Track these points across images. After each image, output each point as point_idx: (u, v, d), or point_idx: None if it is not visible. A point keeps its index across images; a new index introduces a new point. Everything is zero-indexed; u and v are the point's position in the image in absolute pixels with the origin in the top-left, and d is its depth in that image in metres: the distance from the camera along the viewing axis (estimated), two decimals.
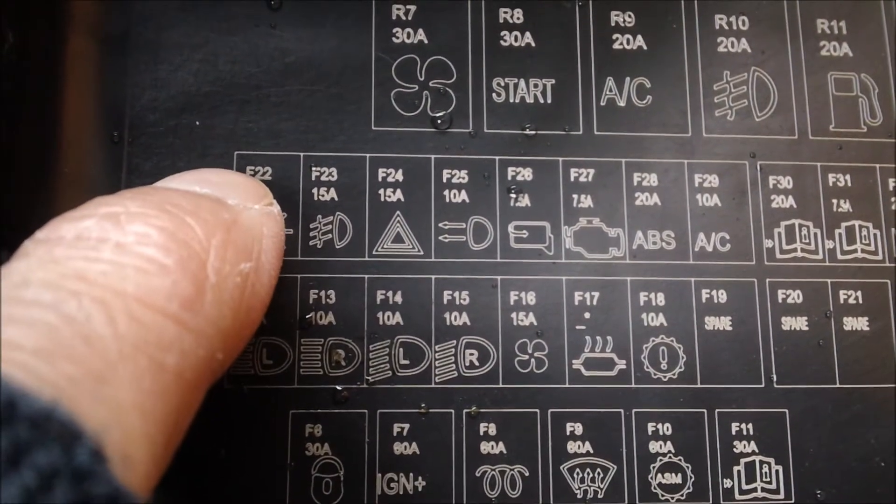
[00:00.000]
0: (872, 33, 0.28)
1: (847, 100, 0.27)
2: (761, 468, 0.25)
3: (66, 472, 0.12)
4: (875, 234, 0.26)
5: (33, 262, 0.16)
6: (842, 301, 0.26)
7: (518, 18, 0.27)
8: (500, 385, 0.25)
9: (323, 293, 0.25)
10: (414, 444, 0.24)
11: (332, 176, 0.25)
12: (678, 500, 0.24)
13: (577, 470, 0.24)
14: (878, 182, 0.27)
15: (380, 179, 0.26)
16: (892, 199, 0.27)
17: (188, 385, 0.17)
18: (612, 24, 0.27)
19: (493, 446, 0.24)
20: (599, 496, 0.24)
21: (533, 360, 0.25)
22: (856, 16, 0.28)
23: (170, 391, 0.16)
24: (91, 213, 0.18)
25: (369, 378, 0.24)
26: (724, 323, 0.26)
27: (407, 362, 0.25)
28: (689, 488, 0.25)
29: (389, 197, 0.25)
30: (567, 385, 0.25)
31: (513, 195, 0.26)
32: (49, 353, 0.14)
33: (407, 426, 0.24)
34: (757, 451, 0.25)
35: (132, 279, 0.16)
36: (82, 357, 0.15)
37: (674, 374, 0.25)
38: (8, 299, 0.15)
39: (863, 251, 0.26)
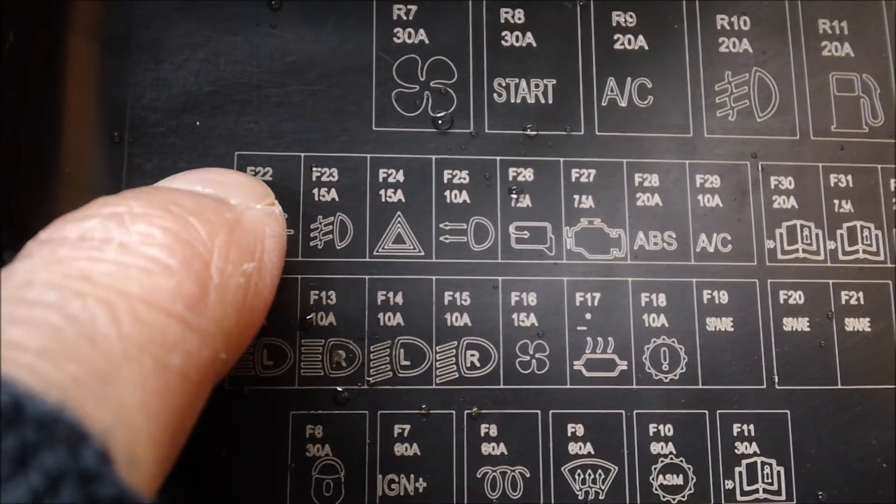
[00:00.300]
0: (874, 34, 0.28)
1: (849, 100, 0.27)
2: (763, 469, 0.25)
3: (72, 473, 0.12)
4: (877, 235, 0.26)
5: (37, 262, 0.16)
6: (843, 302, 0.26)
7: (519, 18, 0.27)
8: (501, 386, 0.25)
9: (323, 294, 0.25)
10: (415, 445, 0.24)
11: (333, 176, 0.25)
12: (679, 502, 0.24)
13: (579, 471, 0.24)
14: (879, 183, 0.27)
15: (381, 180, 0.25)
16: (894, 200, 0.27)
17: (193, 385, 0.17)
18: (614, 24, 0.27)
19: (494, 447, 0.24)
20: (601, 497, 0.24)
21: (534, 361, 0.25)
22: (857, 16, 0.28)
23: (174, 392, 0.16)
24: (94, 213, 0.18)
25: (370, 379, 0.24)
26: (725, 324, 0.26)
27: (408, 363, 0.25)
28: (690, 489, 0.25)
29: (390, 197, 0.25)
30: (568, 386, 0.25)
31: (514, 196, 0.26)
32: (54, 353, 0.14)
33: (408, 427, 0.24)
34: (758, 452, 0.25)
35: (136, 279, 0.16)
36: (87, 358, 0.15)
37: (675, 375, 0.25)
38: (11, 300, 0.15)
39: (864, 252, 0.26)
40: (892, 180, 0.27)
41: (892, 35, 0.28)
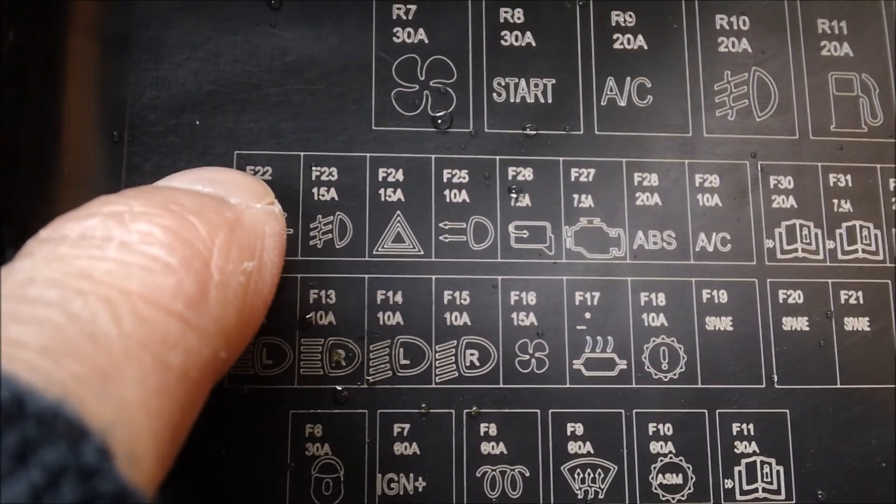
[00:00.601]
0: (873, 33, 0.28)
1: (848, 100, 0.27)
2: (762, 469, 0.25)
3: (72, 470, 0.12)
4: (876, 235, 0.26)
5: (38, 260, 0.16)
6: (842, 301, 0.26)
7: (519, 18, 0.27)
8: (501, 385, 0.25)
9: (323, 293, 0.25)
10: (414, 445, 0.24)
11: (333, 175, 0.25)
12: (679, 501, 0.24)
13: (578, 470, 0.24)
14: (878, 182, 0.27)
15: (380, 179, 0.25)
16: (893, 200, 0.27)
17: (193, 383, 0.17)
18: (613, 23, 0.27)
19: (493, 447, 0.24)
20: (600, 497, 0.24)
21: (533, 360, 0.25)
22: (856, 16, 0.28)
23: (175, 389, 0.16)
24: (95, 211, 0.18)
25: (369, 378, 0.24)
26: (724, 323, 0.26)
27: (407, 362, 0.25)
28: (689, 489, 0.25)
29: (390, 197, 0.25)
30: (568, 385, 0.25)
31: (513, 195, 0.26)
32: (55, 351, 0.14)
33: (407, 426, 0.24)
34: (758, 451, 0.25)
35: (137, 278, 0.16)
36: (88, 355, 0.15)
37: (674, 375, 0.25)
38: (12, 297, 0.15)
39: (863, 251, 0.26)
40: (892, 180, 0.27)
41: (891, 35, 0.28)
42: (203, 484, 0.24)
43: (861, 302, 0.26)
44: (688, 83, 0.27)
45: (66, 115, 0.25)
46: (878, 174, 0.27)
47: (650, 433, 0.25)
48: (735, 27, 0.27)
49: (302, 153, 0.25)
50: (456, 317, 0.25)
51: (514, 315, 0.25)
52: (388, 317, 0.25)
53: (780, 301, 0.26)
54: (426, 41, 0.26)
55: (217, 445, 0.24)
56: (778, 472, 0.25)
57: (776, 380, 0.25)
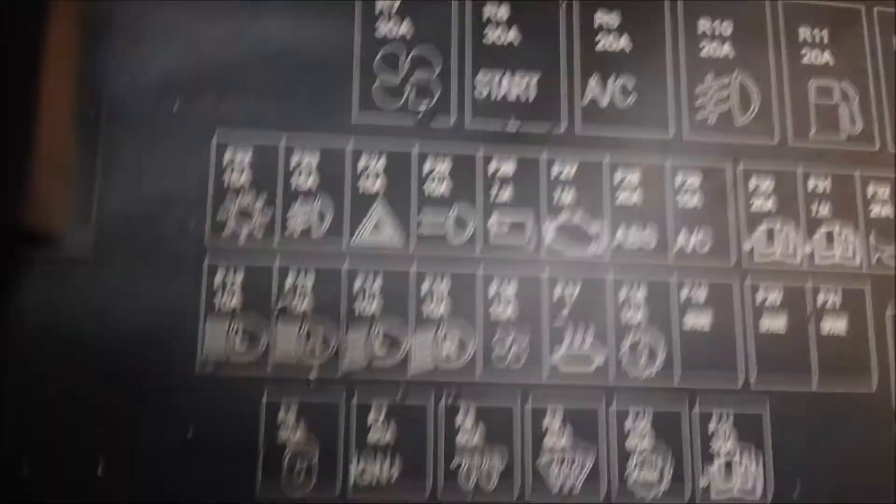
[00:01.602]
0: (854, 42, 0.28)
1: (828, 107, 0.28)
2: (739, 467, 0.25)
3: None
4: (853, 240, 0.27)
5: None
6: (820, 304, 0.26)
7: (503, 14, 0.27)
8: (478, 377, 0.24)
9: (300, 280, 0.24)
10: (389, 434, 0.24)
11: (313, 164, 0.25)
12: (655, 497, 0.24)
13: (554, 465, 0.24)
14: (856, 188, 0.27)
15: (360, 169, 0.25)
16: (871, 206, 0.27)
17: None
18: (597, 24, 0.27)
19: (469, 438, 0.24)
20: (576, 491, 0.24)
21: (511, 353, 0.25)
22: (838, 24, 0.28)
23: None
24: None
25: (345, 366, 0.24)
26: (702, 322, 0.25)
27: (384, 352, 0.24)
28: (666, 486, 0.24)
29: (370, 187, 0.25)
30: (545, 380, 0.25)
31: (494, 190, 0.26)
32: None
33: (382, 416, 0.24)
34: (734, 450, 0.25)
35: None
36: None
37: (652, 372, 0.25)
38: None
39: (841, 256, 0.26)
40: (870, 186, 0.27)
41: (871, 44, 0.28)
42: (173, 470, 0.23)
43: (838, 305, 0.26)
44: (670, 85, 0.27)
45: (44, 99, 0.25)
46: (856, 181, 0.27)
47: (627, 429, 0.25)
48: (718, 32, 0.28)
49: (282, 141, 0.25)
50: (434, 308, 0.25)
51: (492, 309, 0.25)
52: (366, 306, 0.24)
53: (758, 302, 0.26)
54: (409, 34, 0.26)
55: (188, 431, 0.23)
56: (754, 471, 0.25)
57: (753, 380, 0.25)
